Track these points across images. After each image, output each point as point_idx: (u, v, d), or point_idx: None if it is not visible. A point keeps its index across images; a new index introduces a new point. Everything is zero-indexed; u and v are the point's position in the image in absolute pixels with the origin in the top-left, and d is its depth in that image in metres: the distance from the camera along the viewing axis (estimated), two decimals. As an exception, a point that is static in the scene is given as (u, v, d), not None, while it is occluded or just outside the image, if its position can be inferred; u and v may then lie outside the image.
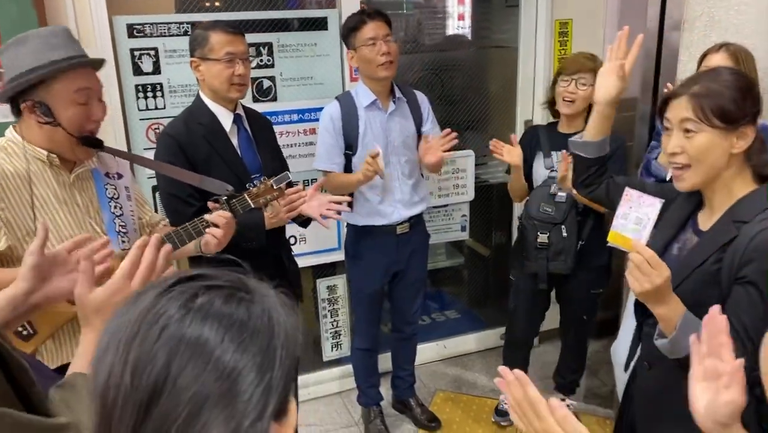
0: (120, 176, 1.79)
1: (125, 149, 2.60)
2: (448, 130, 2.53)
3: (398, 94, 2.63)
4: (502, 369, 0.95)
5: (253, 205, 1.85)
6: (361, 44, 2.45)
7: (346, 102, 2.59)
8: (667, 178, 2.05)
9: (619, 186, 1.74)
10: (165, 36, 2.58)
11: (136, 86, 2.60)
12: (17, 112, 1.57)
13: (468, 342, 3.62)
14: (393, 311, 2.95)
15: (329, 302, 3.22)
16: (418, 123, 2.70)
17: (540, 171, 2.66)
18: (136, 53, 2.57)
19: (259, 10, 2.74)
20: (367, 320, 2.87)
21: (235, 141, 2.14)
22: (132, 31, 2.54)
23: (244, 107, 2.24)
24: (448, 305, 4.01)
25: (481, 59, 3.56)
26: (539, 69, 3.24)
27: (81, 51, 1.59)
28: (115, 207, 1.75)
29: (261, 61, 2.77)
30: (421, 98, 2.73)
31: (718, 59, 2.27)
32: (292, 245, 2.97)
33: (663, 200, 1.44)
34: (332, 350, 3.28)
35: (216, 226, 1.72)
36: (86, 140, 1.59)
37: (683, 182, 1.41)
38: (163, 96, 2.64)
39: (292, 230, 2.94)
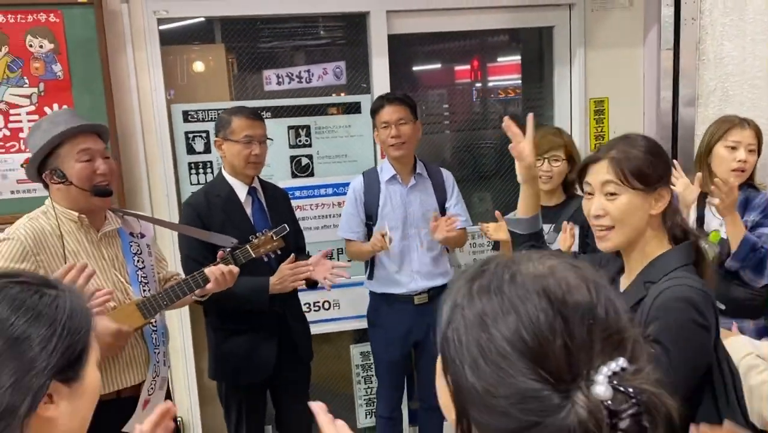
0: (143, 236, 2.10)
1: (178, 218, 2.97)
2: (450, 214, 2.67)
3: (419, 170, 2.80)
4: None
5: (254, 255, 2.12)
6: (378, 126, 2.70)
7: (370, 176, 2.82)
8: None
9: None
10: (215, 120, 2.94)
11: (189, 164, 2.98)
12: (45, 185, 1.93)
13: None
14: (418, 380, 3.01)
15: (363, 369, 3.33)
16: (441, 199, 2.85)
17: None
18: (190, 135, 2.97)
19: (299, 97, 3.08)
20: (388, 387, 2.94)
21: (249, 210, 2.41)
22: (187, 116, 2.95)
23: (261, 181, 2.51)
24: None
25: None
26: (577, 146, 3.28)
27: (82, 122, 1.92)
28: (138, 261, 2.05)
29: (299, 141, 3.07)
30: (446, 176, 2.89)
31: (747, 135, 2.28)
32: (326, 310, 3.15)
33: None
34: (366, 417, 3.36)
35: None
36: (96, 190, 1.90)
37: (607, 242, 1.45)
38: (212, 172, 3.00)
39: (326, 295, 3.13)
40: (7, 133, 2.65)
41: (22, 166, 2.64)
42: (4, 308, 0.86)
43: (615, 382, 0.61)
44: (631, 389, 0.61)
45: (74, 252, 1.91)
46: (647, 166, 1.40)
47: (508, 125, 1.68)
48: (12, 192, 2.67)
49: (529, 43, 3.61)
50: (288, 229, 2.18)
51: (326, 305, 3.16)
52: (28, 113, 2.65)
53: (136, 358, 2.00)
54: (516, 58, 3.75)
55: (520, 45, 3.69)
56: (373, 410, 3.34)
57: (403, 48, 3.23)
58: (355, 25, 3.17)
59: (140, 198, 2.90)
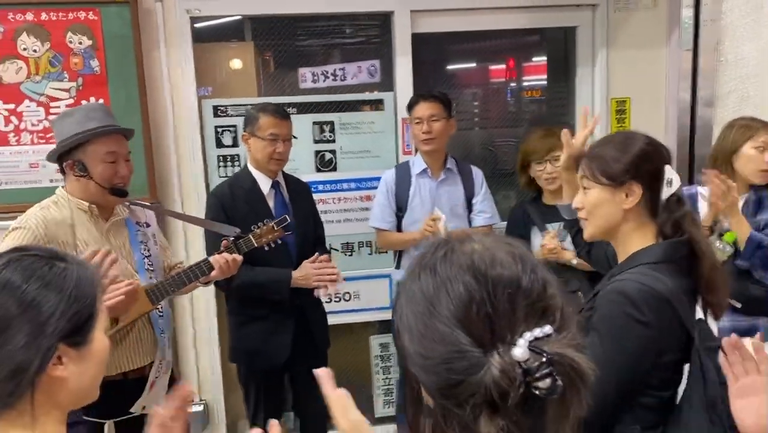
0: (148, 225, 2.19)
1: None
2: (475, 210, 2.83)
3: (449, 165, 2.87)
4: None
5: (256, 244, 2.21)
6: (412, 121, 2.79)
7: (402, 169, 2.91)
8: None
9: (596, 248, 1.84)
10: (243, 115, 3.05)
11: (218, 156, 3.10)
12: (62, 171, 2.02)
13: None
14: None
15: (382, 359, 3.41)
16: (469, 195, 2.92)
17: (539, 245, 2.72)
18: (219, 129, 3.08)
19: (324, 93, 3.17)
20: (407, 377, 3.01)
21: (271, 203, 2.50)
22: (217, 111, 3.06)
23: (285, 175, 2.61)
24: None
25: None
26: (597, 145, 3.30)
27: (114, 122, 2.03)
28: (144, 249, 2.14)
29: (324, 136, 3.17)
30: (476, 173, 2.95)
31: None
32: (346, 301, 3.24)
33: None
34: (384, 406, 3.44)
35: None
36: (114, 191, 2.00)
37: (585, 231, 1.56)
38: (239, 165, 3.11)
39: (346, 286, 3.22)
40: (48, 124, 2.80)
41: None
42: (18, 276, 0.95)
43: (533, 345, 0.68)
44: (546, 351, 0.67)
45: (84, 241, 1.99)
46: (613, 162, 1.46)
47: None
48: (51, 180, 2.82)
49: (554, 43, 3.64)
50: (288, 220, 2.25)
51: (346, 297, 3.25)
52: (67, 106, 2.79)
53: (143, 341, 2.09)
54: (542, 58, 3.78)
55: (545, 45, 3.72)
56: (392, 400, 3.43)
57: (427, 47, 3.30)
58: (382, 24, 3.25)
59: (170, 189, 3.03)
